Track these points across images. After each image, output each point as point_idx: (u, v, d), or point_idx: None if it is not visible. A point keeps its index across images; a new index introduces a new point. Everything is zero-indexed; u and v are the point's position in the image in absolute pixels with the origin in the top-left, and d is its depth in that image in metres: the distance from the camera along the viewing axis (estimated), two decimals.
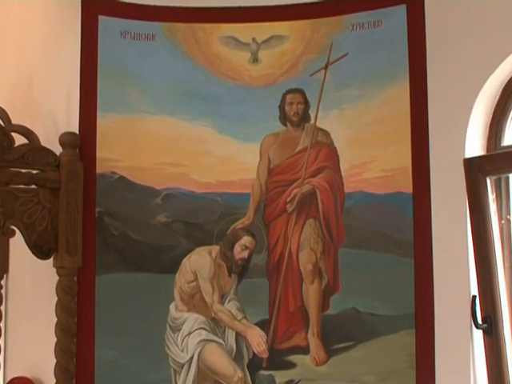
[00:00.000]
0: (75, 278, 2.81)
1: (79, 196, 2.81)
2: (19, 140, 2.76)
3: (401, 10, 2.80)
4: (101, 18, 2.93)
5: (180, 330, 2.87)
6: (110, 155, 2.89)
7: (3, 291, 2.76)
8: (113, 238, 2.88)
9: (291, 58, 2.93)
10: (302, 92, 2.92)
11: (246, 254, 2.88)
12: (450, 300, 2.65)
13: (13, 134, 2.73)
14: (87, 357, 2.82)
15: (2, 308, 2.74)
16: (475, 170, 2.61)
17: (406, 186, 2.75)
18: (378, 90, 2.81)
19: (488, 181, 2.63)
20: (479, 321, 2.59)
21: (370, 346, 2.77)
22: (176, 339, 2.86)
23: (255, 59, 2.96)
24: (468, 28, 2.67)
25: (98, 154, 2.88)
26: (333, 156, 2.88)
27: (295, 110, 2.92)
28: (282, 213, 2.90)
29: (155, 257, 2.89)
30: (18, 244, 2.77)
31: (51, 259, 2.78)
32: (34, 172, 2.73)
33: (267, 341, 2.84)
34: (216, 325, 2.87)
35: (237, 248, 2.89)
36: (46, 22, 3.01)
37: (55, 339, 2.76)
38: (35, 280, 2.91)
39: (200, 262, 2.88)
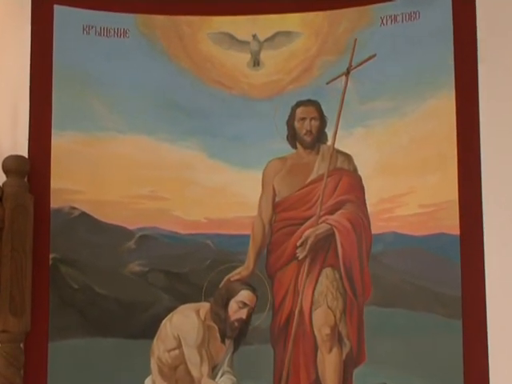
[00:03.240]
0: (22, 346, 2.71)
1: (28, 238, 2.71)
2: None
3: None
4: (57, 7, 2.84)
5: None
6: (69, 185, 2.80)
7: None
8: (71, 292, 2.79)
9: (303, 60, 2.87)
10: (316, 104, 2.85)
11: (244, 313, 2.79)
12: (510, 374, 2.56)
13: None
14: None
15: None
16: None
17: (452, 225, 2.66)
18: (414, 102, 2.74)
19: None
20: None
21: None
22: None
23: (256, 62, 2.90)
24: None
25: (52, 184, 2.78)
26: (356, 187, 2.81)
27: (308, 128, 2.85)
28: (290, 260, 2.82)
29: (126, 317, 2.79)
30: None
31: None
32: None
33: None
34: None
35: (232, 306, 2.79)
36: None
37: None
38: None
39: (185, 323, 2.78)
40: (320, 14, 2.85)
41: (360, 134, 2.81)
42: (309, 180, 2.85)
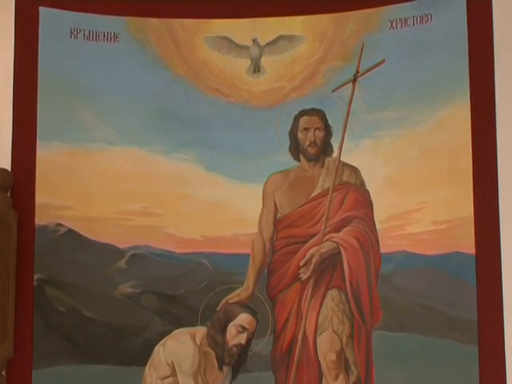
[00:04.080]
0: (4, 373, 2.67)
1: (11, 257, 2.69)
2: None
3: (458, 1, 2.71)
4: (43, 10, 2.81)
5: None
6: (55, 201, 2.77)
7: None
8: (58, 315, 2.75)
9: (306, 66, 2.84)
10: (321, 114, 2.82)
11: (243, 338, 2.74)
12: None
13: None
14: None
15: None
16: None
17: (467, 243, 2.63)
18: (426, 112, 2.71)
19: None
20: None
21: None
22: None
23: (257, 68, 2.86)
24: None
25: (37, 200, 2.75)
26: (364, 202, 2.77)
27: (312, 139, 2.82)
28: (293, 281, 2.78)
29: (117, 342, 2.76)
30: None
31: None
32: None
33: None
34: None
35: (231, 330, 2.75)
36: None
37: None
38: None
39: (179, 349, 2.74)
40: (325, 16, 2.82)
41: (368, 146, 2.77)
42: (313, 195, 2.81)
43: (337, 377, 2.71)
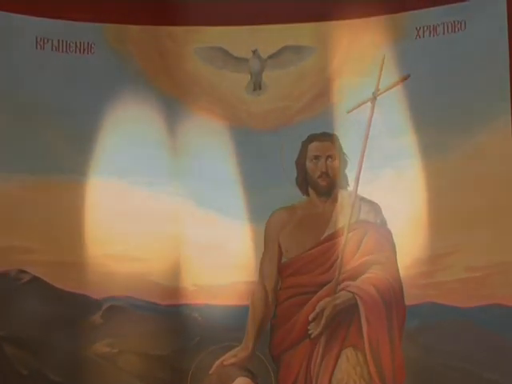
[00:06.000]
0: None
1: None
2: None
3: (496, 5, 2.59)
4: (3, 15, 2.82)
5: None
6: (17, 243, 2.69)
7: None
8: (19, 379, 2.65)
9: (316, 83, 2.79)
10: (333, 139, 2.74)
11: None
12: None
13: None
14: None
15: None
16: None
17: (507, 294, 2.52)
18: (460, 137, 2.61)
19: None
20: None
21: None
22: None
23: (257, 85, 2.79)
24: None
25: None
26: (385, 245, 2.68)
27: (323, 169, 2.73)
28: (301, 339, 2.68)
29: None
30: None
31: None
32: None
33: None
34: None
35: None
36: None
37: None
38: None
39: None
40: (338, 23, 2.79)
41: (390, 178, 2.71)
42: (324, 236, 2.75)
43: None
